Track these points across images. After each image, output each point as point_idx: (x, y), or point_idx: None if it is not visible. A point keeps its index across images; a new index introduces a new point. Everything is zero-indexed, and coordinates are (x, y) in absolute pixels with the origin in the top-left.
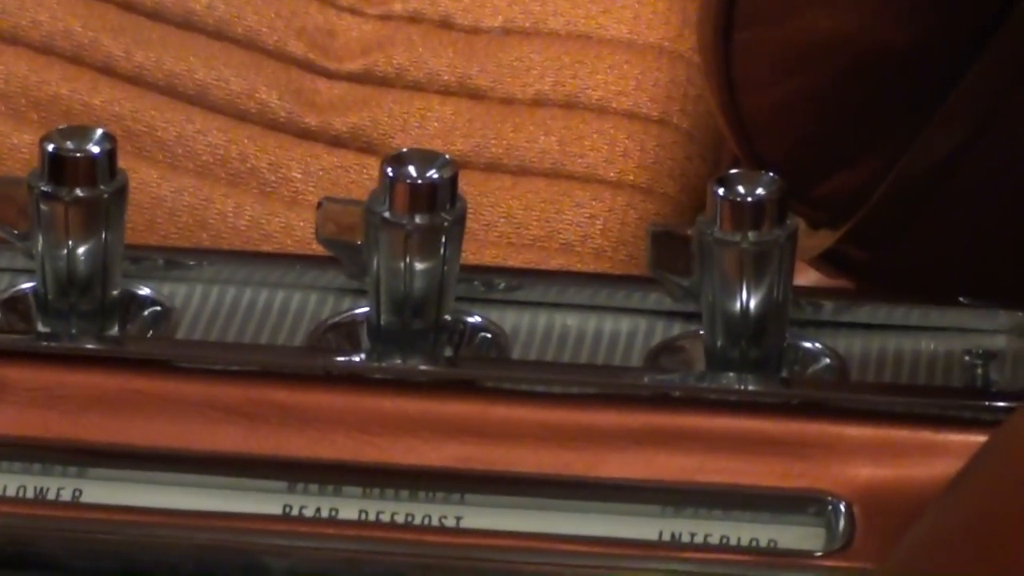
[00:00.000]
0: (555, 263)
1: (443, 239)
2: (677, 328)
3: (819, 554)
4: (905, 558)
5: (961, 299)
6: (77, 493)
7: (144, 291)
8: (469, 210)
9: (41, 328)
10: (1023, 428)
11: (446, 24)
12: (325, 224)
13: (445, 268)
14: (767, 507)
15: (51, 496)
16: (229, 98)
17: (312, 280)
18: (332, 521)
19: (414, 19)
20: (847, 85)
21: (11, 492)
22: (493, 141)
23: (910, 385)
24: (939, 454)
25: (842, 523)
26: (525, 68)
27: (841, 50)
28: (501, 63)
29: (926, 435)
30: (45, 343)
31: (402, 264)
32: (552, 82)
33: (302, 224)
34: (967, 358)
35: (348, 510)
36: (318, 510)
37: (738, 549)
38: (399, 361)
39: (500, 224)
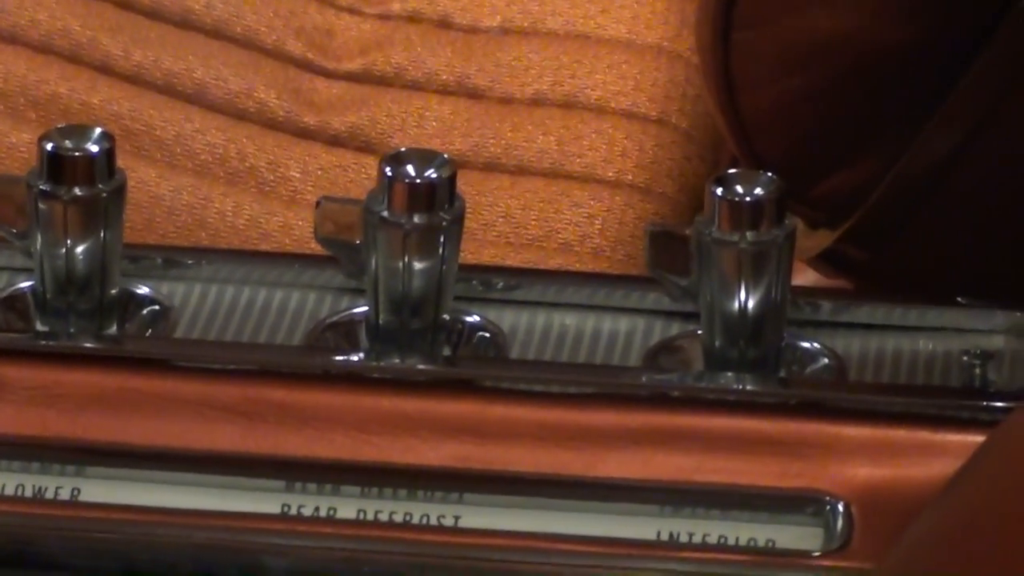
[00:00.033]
0: (553, 263)
1: (441, 238)
2: (675, 328)
3: (817, 554)
4: (903, 558)
5: (959, 299)
6: (75, 492)
7: (142, 290)
8: (468, 209)
9: (39, 327)
10: (1021, 428)
11: (444, 24)
12: (323, 223)
13: (443, 267)
14: (765, 507)
15: (49, 495)
16: (228, 97)
17: (310, 279)
18: (330, 520)
19: (413, 19)
20: (846, 85)
21: (10, 491)
22: (491, 141)
23: (908, 385)
24: (937, 454)
25: (840, 523)
26: (523, 68)
27: (840, 50)
28: (499, 63)
29: (924, 435)
30: (43, 342)
31: (400, 263)
32: (551, 82)
33: (300, 223)
34: (965, 358)
35: (346, 509)
36: (316, 509)
37: (736, 549)
38: (397, 360)
39: (498, 224)
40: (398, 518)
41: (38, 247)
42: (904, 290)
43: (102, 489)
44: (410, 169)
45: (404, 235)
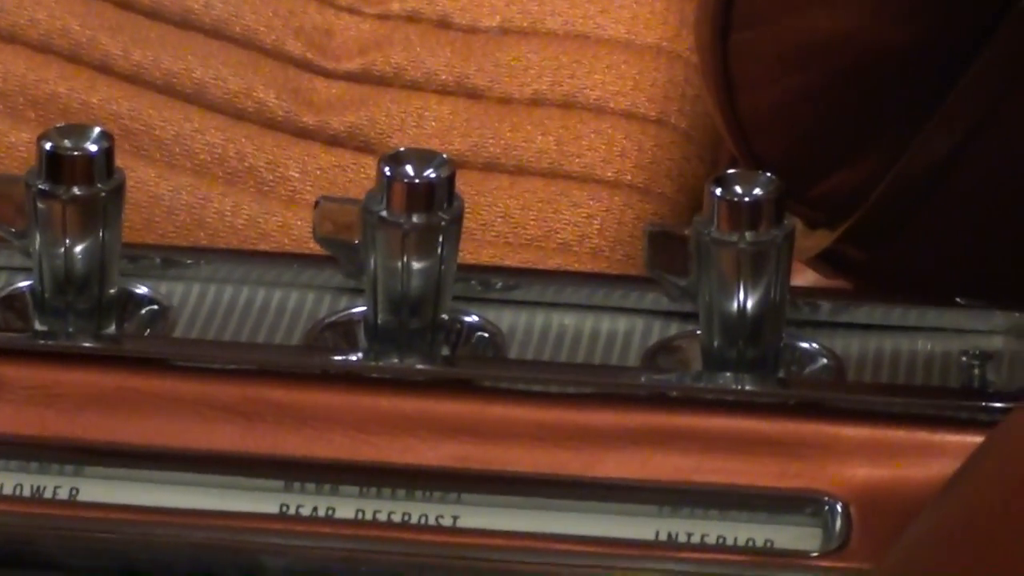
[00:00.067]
0: (552, 263)
1: (440, 238)
2: (674, 328)
3: (815, 554)
4: (902, 558)
5: (958, 300)
6: (74, 492)
7: (141, 290)
8: (466, 209)
9: (38, 326)
10: (1019, 428)
11: (444, 24)
12: (322, 223)
13: (442, 267)
14: (764, 507)
15: (48, 495)
16: (227, 97)
17: (309, 279)
18: (329, 520)
19: (412, 19)
20: (845, 85)
21: (8, 491)
22: (491, 141)
23: (907, 385)
24: (936, 454)
25: (839, 523)
26: (523, 68)
27: (839, 50)
28: (499, 63)
29: (923, 435)
30: (42, 341)
31: (399, 263)
32: (550, 82)
33: (299, 223)
34: (964, 359)
35: (345, 509)
36: (315, 509)
37: (735, 549)
38: (396, 360)
39: (497, 224)
40: (396, 518)
41: (37, 246)
42: (903, 290)
43: (101, 489)
44: (409, 169)
45: (403, 235)
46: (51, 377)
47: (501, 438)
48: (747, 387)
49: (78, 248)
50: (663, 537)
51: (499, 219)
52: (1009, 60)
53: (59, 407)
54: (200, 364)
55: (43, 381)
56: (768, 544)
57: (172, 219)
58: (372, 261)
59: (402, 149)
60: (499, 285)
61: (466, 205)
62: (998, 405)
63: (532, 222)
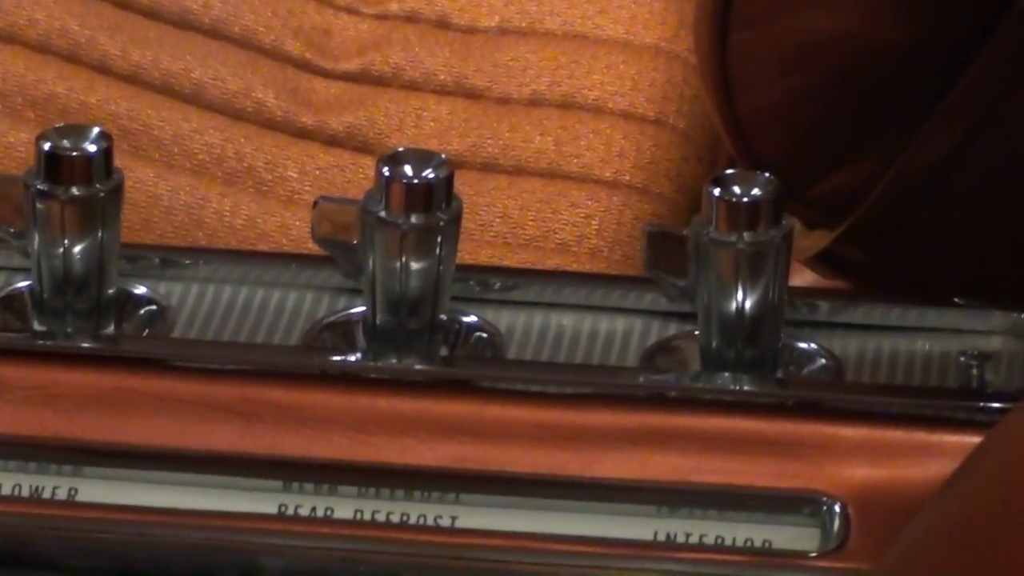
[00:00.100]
0: (551, 263)
1: (439, 239)
2: (673, 328)
3: (814, 554)
4: (900, 559)
5: (957, 300)
6: (73, 492)
7: (140, 290)
8: (465, 210)
9: (37, 327)
10: (1018, 429)
11: (442, 24)
12: (321, 223)
13: (441, 268)
14: (762, 507)
15: (47, 495)
16: (225, 97)
17: (308, 279)
18: (327, 520)
19: (410, 19)
20: (844, 85)
21: (7, 491)
22: (489, 141)
23: (905, 386)
24: (934, 455)
25: (837, 523)
26: (521, 68)
27: (838, 50)
28: (497, 63)
29: (921, 436)
30: (41, 342)
31: (398, 264)
32: (548, 82)
33: (298, 223)
34: (962, 359)
35: (343, 509)
36: (313, 509)
37: (733, 549)
38: (395, 361)
39: (496, 224)
40: (395, 518)
41: (35, 247)
42: (902, 291)
43: (99, 489)
44: (407, 169)
45: (401, 235)
46: (50, 377)
47: (500, 438)
48: (745, 387)
49: (77, 248)
50: (661, 537)
51: (498, 219)
52: (1009, 60)
53: (58, 407)
54: (199, 364)
55: (42, 381)
56: (766, 544)
57: (171, 219)
58: (370, 261)
59: (401, 149)
60: (498, 285)
61: (465, 205)
62: (996, 405)
63: (531, 222)
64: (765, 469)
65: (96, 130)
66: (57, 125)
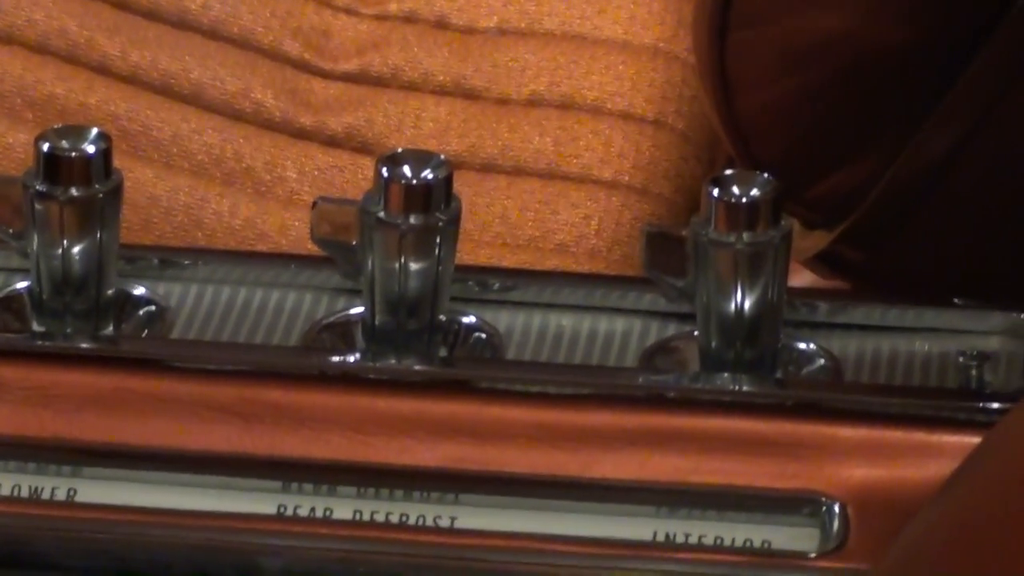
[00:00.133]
0: (550, 263)
1: (438, 239)
2: (672, 329)
3: (813, 555)
4: (899, 559)
5: (956, 300)
6: (72, 492)
7: (139, 290)
8: (464, 210)
9: (36, 327)
10: (1017, 429)
11: (441, 24)
12: (320, 224)
13: (440, 268)
14: (761, 508)
15: (46, 495)
16: (224, 98)
17: (307, 280)
18: (326, 521)
19: (409, 19)
20: (843, 85)
21: (6, 491)
22: (488, 141)
23: (904, 386)
24: (933, 455)
25: (836, 524)
26: (520, 68)
27: (837, 50)
28: (496, 63)
29: (920, 436)
30: (40, 342)
31: (397, 264)
32: (547, 82)
33: (297, 224)
34: (961, 359)
35: (342, 510)
36: (312, 510)
37: (732, 550)
38: (394, 361)
39: (495, 224)
40: (394, 519)
41: (34, 247)
42: (901, 291)
43: (98, 489)
44: (406, 170)
45: (400, 236)
46: (49, 378)
47: (499, 439)
48: (745, 388)
49: (76, 249)
50: (660, 538)
51: (497, 220)
52: (1008, 60)
53: (57, 408)
54: (198, 365)
55: (41, 382)
56: (765, 545)
57: (170, 220)
58: (369, 262)
59: (399, 150)
60: (497, 286)
61: (464, 206)
62: (995, 406)
63: (530, 223)
64: (764, 469)
65: (95, 131)
66: (56, 126)
